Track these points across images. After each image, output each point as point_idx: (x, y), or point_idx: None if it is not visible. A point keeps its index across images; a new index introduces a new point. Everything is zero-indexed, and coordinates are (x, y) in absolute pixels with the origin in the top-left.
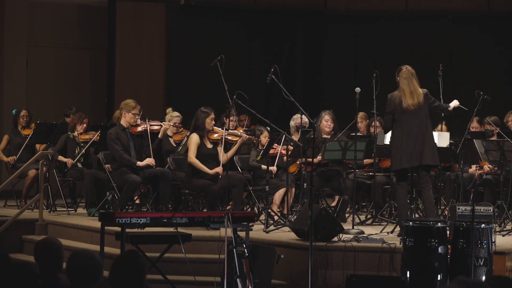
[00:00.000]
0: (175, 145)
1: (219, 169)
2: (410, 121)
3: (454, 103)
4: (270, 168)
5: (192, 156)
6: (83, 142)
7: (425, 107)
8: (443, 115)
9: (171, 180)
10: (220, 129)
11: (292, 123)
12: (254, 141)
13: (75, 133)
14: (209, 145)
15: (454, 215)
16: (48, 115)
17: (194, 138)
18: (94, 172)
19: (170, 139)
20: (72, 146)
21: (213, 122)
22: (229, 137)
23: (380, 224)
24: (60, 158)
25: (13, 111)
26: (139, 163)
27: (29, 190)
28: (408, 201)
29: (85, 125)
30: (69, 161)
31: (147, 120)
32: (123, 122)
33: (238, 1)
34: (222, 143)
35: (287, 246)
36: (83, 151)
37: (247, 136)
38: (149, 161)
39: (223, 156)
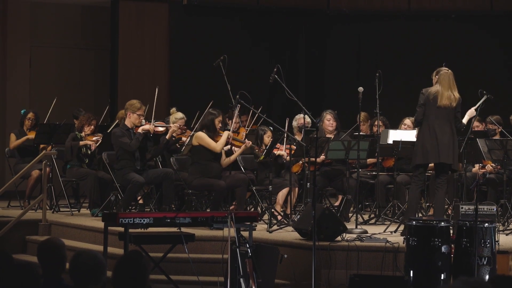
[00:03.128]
0: (178, 146)
1: (229, 133)
2: (440, 119)
3: (470, 113)
4: (281, 152)
5: (216, 145)
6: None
7: (454, 110)
8: None
9: (174, 180)
10: (226, 132)
11: (294, 123)
12: (256, 150)
13: (82, 134)
14: None
15: (458, 214)
16: (51, 115)
17: (203, 134)
18: (97, 173)
19: (173, 139)
20: (78, 146)
21: (220, 125)
22: (234, 142)
23: (384, 224)
24: (83, 142)
25: (22, 111)
26: (141, 128)
27: (32, 190)
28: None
29: (92, 127)
30: (92, 143)
31: (152, 121)
32: (128, 122)
33: (241, 0)
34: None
35: (290, 246)
36: (89, 152)
37: (250, 143)
38: (150, 126)
39: (225, 160)
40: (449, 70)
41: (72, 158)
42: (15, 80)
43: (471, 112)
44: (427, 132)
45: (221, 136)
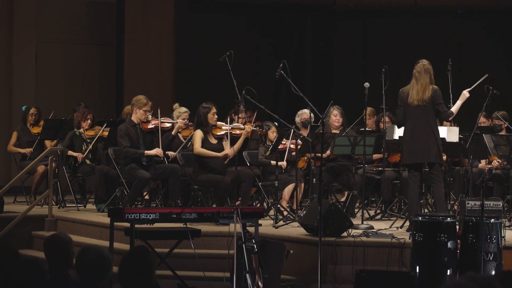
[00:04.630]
0: (184, 141)
1: (227, 151)
2: (415, 117)
3: (462, 96)
4: (280, 163)
5: (197, 147)
6: (89, 138)
7: (431, 104)
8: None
9: (180, 175)
10: (223, 123)
11: (297, 119)
12: (259, 132)
13: (81, 130)
14: (214, 141)
15: (464, 210)
16: (57, 111)
17: (198, 133)
18: (103, 168)
19: (179, 134)
20: (79, 143)
21: (216, 117)
22: (234, 131)
23: (390, 219)
24: (70, 153)
25: (23, 107)
26: (147, 152)
27: (38, 186)
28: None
29: (89, 121)
30: (79, 155)
31: (159, 116)
32: (134, 118)
33: None
34: (228, 138)
35: (296, 241)
36: (90, 146)
37: (252, 128)
38: (158, 151)
39: (230, 151)
40: (426, 62)
41: (63, 163)
42: (21, 76)
43: (464, 95)
44: (406, 133)
45: (217, 128)
